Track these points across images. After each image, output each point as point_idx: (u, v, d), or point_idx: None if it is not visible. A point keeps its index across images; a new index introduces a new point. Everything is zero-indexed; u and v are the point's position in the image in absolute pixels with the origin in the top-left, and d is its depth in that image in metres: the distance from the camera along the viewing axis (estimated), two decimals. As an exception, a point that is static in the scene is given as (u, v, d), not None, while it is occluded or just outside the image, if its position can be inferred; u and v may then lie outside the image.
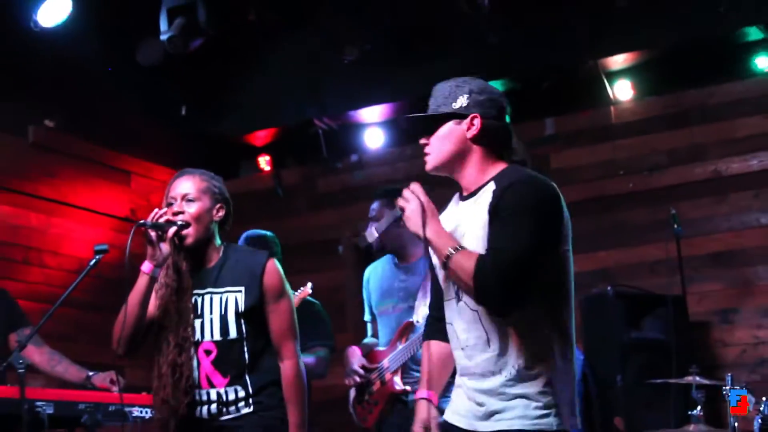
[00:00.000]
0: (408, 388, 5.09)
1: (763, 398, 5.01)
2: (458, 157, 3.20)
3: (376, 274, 5.52)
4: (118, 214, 7.77)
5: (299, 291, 5.60)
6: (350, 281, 7.81)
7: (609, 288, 6.61)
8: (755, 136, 7.03)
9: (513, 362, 3.06)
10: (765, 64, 6.95)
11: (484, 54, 7.01)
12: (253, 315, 3.89)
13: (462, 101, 3.20)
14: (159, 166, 8.09)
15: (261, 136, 8.43)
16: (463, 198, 3.24)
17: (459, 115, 3.19)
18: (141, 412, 5.18)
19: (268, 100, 7.99)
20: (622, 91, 7.41)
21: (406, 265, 5.40)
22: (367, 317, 5.55)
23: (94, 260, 4.27)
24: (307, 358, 5.62)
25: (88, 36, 6.69)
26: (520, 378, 3.06)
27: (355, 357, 5.32)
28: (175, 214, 3.87)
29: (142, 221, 3.82)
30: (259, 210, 7.82)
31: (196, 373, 3.89)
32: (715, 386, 5.17)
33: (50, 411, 4.80)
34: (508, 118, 3.26)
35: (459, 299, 3.17)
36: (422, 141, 3.22)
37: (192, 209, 3.89)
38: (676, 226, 6.25)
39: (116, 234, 7.53)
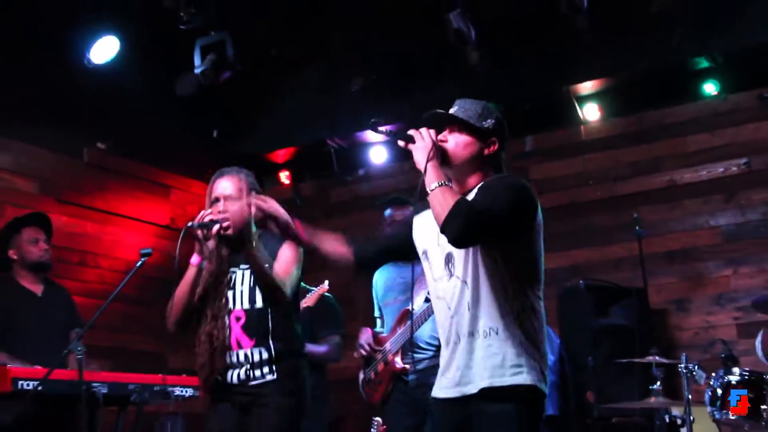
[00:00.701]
0: (407, 366, 5.11)
1: (713, 374, 5.05)
2: (468, 163, 3.23)
3: (381, 275, 5.56)
4: (160, 222, 7.80)
5: (318, 288, 5.62)
6: (360, 279, 7.83)
7: (581, 282, 6.62)
8: (704, 151, 7.03)
9: (492, 324, 3.10)
10: (711, 89, 6.94)
11: (472, 82, 7.03)
12: None
13: (489, 123, 3.25)
14: (195, 180, 8.10)
15: (281, 154, 8.43)
16: None
17: (484, 134, 3.24)
18: (181, 391, 5.23)
19: (287, 124, 7.99)
20: (591, 112, 7.39)
21: (406, 265, 5.43)
22: (376, 313, 5.58)
23: (140, 262, 4.31)
24: (322, 347, 5.67)
25: (133, 71, 6.70)
26: (498, 338, 3.08)
27: (365, 335, 5.37)
28: (221, 212, 3.92)
29: (190, 223, 3.86)
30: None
31: (228, 338, 3.94)
32: (672, 364, 5.18)
33: (104, 391, 4.84)
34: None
35: (451, 275, 3.20)
36: (442, 136, 3.22)
37: (235, 206, 3.92)
38: (637, 228, 6.23)
39: (159, 240, 7.56)
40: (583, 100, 7.40)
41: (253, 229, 4.02)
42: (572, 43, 6.49)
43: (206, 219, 3.89)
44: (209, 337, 3.92)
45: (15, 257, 5.39)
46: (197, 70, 6.56)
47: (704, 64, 6.85)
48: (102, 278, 7.04)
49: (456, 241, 3.05)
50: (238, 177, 4.03)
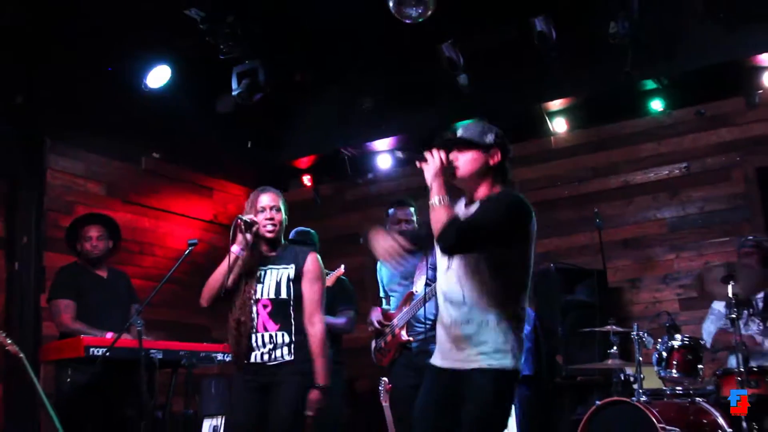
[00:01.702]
0: (411, 338, 5.14)
1: (659, 340, 5.07)
2: (477, 175, 3.21)
3: (385, 265, 5.57)
4: (205, 218, 7.81)
5: (335, 271, 5.64)
6: (369, 264, 7.79)
7: (551, 265, 6.61)
8: (652, 157, 7.04)
9: (481, 316, 3.10)
10: (658, 106, 6.94)
11: (460, 100, 7.02)
12: (297, 284, 4.01)
13: (490, 138, 3.23)
14: (233, 183, 8.12)
15: (304, 161, 8.42)
16: (466, 204, 3.27)
17: (487, 147, 3.22)
18: (223, 356, 5.28)
19: (308, 136, 7.97)
20: (559, 125, 7.39)
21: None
22: (382, 294, 5.60)
23: (187, 251, 4.36)
24: (340, 319, 5.70)
25: (182, 93, 6.71)
26: (488, 328, 3.09)
27: (375, 313, 5.38)
28: (269, 219, 4.04)
29: (239, 216, 3.98)
30: (304, 214, 7.82)
31: (255, 322, 3.98)
32: (626, 332, 5.21)
33: (160, 356, 4.90)
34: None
35: (449, 268, 3.19)
36: (452, 155, 3.20)
37: (278, 216, 4.06)
38: (597, 220, 6.25)
39: (203, 232, 7.58)
40: (552, 115, 7.38)
41: (282, 240, 4.14)
42: (543, 67, 6.49)
43: (249, 219, 4.01)
44: (237, 323, 3.97)
45: (79, 250, 5.45)
46: (234, 93, 6.55)
47: (652, 85, 6.86)
48: (157, 264, 7.07)
49: (446, 251, 3.08)
50: (276, 193, 4.15)
